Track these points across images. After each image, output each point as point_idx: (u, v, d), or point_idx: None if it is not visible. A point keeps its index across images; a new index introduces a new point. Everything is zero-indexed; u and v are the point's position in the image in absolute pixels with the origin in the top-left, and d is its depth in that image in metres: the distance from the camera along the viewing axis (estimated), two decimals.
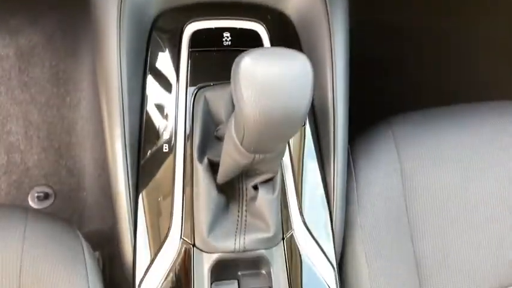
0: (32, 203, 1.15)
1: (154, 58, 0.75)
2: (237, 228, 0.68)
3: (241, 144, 0.58)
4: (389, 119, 0.88)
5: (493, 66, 1.38)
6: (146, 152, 0.72)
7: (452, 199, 0.80)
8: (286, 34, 0.78)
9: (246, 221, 0.68)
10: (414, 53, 1.42)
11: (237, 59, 0.53)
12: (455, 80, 1.40)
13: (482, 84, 1.36)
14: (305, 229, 0.72)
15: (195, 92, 0.73)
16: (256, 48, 0.53)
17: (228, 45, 0.75)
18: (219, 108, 0.71)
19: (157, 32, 0.75)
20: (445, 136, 0.84)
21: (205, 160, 0.69)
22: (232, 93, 0.54)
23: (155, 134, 0.73)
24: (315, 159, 0.76)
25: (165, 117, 0.73)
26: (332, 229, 0.74)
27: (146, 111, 0.73)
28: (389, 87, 1.37)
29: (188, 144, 0.72)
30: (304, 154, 0.76)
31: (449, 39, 1.39)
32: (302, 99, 0.52)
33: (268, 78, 0.51)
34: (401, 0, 1.34)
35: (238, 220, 0.68)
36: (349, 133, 0.77)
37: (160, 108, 0.74)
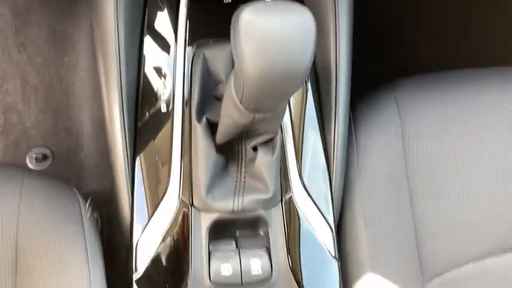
0: (30, 164, 1.14)
1: (152, 16, 0.73)
2: (235, 189, 0.67)
3: (240, 102, 0.56)
4: (391, 83, 0.87)
5: (496, 28, 1.36)
6: (144, 113, 0.71)
7: (453, 164, 0.80)
8: None
9: (244, 182, 0.68)
10: (416, 15, 1.40)
11: (236, 12, 0.51)
12: (456, 43, 1.38)
13: (485, 48, 1.34)
14: (304, 191, 0.72)
15: (194, 49, 0.71)
16: (256, 1, 0.51)
17: (228, 2, 0.73)
18: (219, 66, 0.70)
19: None
20: (447, 101, 0.83)
21: (204, 120, 0.68)
22: (232, 48, 0.52)
23: (153, 94, 0.72)
24: (316, 122, 0.75)
25: (163, 77, 0.72)
26: (331, 192, 0.74)
27: (144, 72, 0.72)
28: (392, 48, 1.35)
29: (187, 104, 0.70)
30: (306, 117, 0.75)
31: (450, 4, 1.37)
32: (304, 55, 0.51)
33: (269, 32, 0.49)
34: None
35: (237, 181, 0.68)
36: (351, 96, 0.76)
37: (158, 68, 0.72)
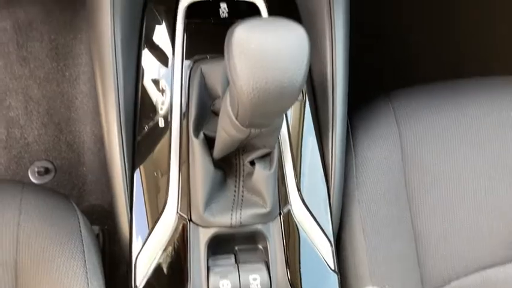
0: (32, 178, 1.15)
1: (150, 31, 0.74)
2: (233, 204, 0.67)
3: (236, 118, 0.56)
4: (389, 92, 0.87)
5: (495, 38, 1.35)
6: (142, 127, 0.72)
7: (452, 174, 0.80)
8: (285, 5, 0.77)
9: (242, 196, 0.68)
10: (414, 21, 1.40)
11: (230, 29, 0.51)
12: (456, 50, 1.38)
13: (483, 55, 1.34)
14: (302, 204, 0.72)
15: (191, 65, 0.72)
16: (250, 19, 0.51)
17: (225, 17, 0.74)
18: (216, 81, 0.70)
19: (152, 4, 0.74)
20: (446, 111, 0.83)
21: (201, 135, 0.68)
22: (226, 65, 0.53)
23: (151, 108, 0.72)
24: (314, 135, 0.75)
25: (161, 91, 0.72)
26: (330, 204, 0.73)
27: (142, 86, 0.73)
28: (389, 55, 1.35)
29: (184, 118, 0.71)
30: (304, 129, 0.75)
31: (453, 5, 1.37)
32: (297, 73, 0.51)
33: (263, 50, 0.49)
34: None
35: (234, 195, 0.68)
36: (348, 107, 0.76)
37: (156, 82, 0.73)
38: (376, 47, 1.32)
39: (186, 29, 0.74)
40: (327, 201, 0.73)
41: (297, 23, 0.51)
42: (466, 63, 1.33)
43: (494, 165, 0.80)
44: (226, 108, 0.57)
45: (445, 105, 0.84)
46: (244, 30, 0.49)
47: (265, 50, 0.49)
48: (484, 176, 0.80)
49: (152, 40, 0.74)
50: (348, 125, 0.79)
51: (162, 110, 0.72)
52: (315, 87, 0.76)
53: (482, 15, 1.37)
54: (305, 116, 0.75)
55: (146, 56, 0.73)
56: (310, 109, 0.75)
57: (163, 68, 0.73)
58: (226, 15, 0.73)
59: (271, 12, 0.75)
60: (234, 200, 0.68)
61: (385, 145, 0.80)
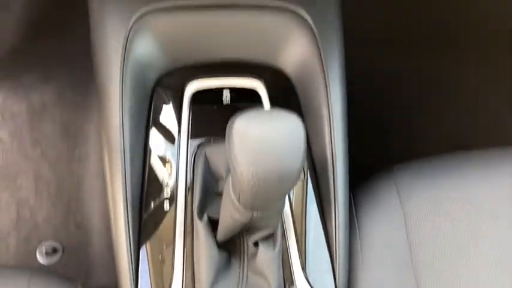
0: (40, 258, 1.15)
1: (157, 114, 0.77)
2: (238, 285, 0.68)
3: (238, 201, 0.58)
4: (391, 168, 0.88)
5: (494, 109, 1.38)
6: (148, 206, 0.73)
7: (461, 253, 0.78)
8: (285, 90, 0.80)
9: (247, 277, 0.68)
10: (414, 97, 1.43)
11: (230, 122, 0.54)
12: (455, 124, 1.40)
13: (484, 127, 1.36)
14: (307, 284, 0.72)
15: (196, 149, 0.75)
16: (249, 111, 0.54)
17: (227, 103, 0.77)
18: (219, 164, 0.72)
19: (160, 89, 0.78)
20: (451, 186, 0.82)
21: (205, 217, 0.69)
22: (227, 153, 0.55)
23: (157, 189, 0.74)
24: (317, 214, 0.75)
25: (167, 172, 0.74)
26: (335, 284, 0.73)
27: (148, 167, 0.75)
28: (391, 130, 1.37)
29: (189, 199, 0.72)
30: (307, 209, 0.76)
31: (449, 84, 1.41)
32: (295, 160, 0.53)
33: (261, 140, 0.52)
34: (397, 46, 1.37)
35: (239, 277, 0.68)
36: (351, 182, 0.77)
37: (161, 163, 0.75)
38: (377, 123, 1.35)
39: (192, 113, 0.77)
40: (332, 280, 0.73)
41: (292, 113, 0.54)
42: (467, 135, 1.35)
43: (504, 243, 0.79)
44: (229, 192, 0.59)
45: (450, 180, 0.83)
46: (243, 122, 0.53)
47: (263, 141, 0.52)
48: (493, 254, 0.78)
49: (159, 123, 0.77)
50: (351, 201, 0.80)
51: (167, 191, 0.73)
52: (316, 167, 0.78)
53: (480, 86, 1.41)
54: (307, 195, 0.76)
55: (153, 139, 0.76)
56: (313, 188, 0.77)
57: (169, 150, 0.75)
58: (229, 102, 0.77)
59: (272, 98, 0.78)
60: (238, 282, 0.68)
61: (389, 224, 0.80)
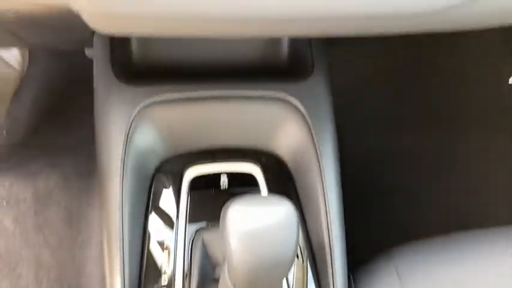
0: None
1: (156, 199, 0.79)
2: None
3: (234, 287, 0.59)
4: (391, 251, 0.87)
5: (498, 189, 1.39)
6: None
7: None
8: (280, 174, 0.82)
9: None
10: (416, 178, 1.45)
11: (224, 209, 0.56)
12: (456, 203, 1.40)
13: (486, 205, 1.36)
14: None
15: (194, 234, 0.76)
16: (242, 198, 0.56)
17: (225, 188, 0.79)
18: (217, 250, 0.73)
19: (160, 175, 0.80)
20: (452, 268, 0.82)
21: None
22: (222, 240, 0.56)
23: (155, 276, 0.74)
24: None
25: (165, 258, 0.75)
26: None
27: (147, 253, 0.75)
28: (391, 212, 1.38)
29: (187, 285, 0.72)
30: None
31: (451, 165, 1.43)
32: (288, 246, 0.54)
33: (254, 227, 0.53)
34: (402, 127, 1.41)
35: None
36: (351, 263, 0.77)
37: (160, 249, 0.76)
38: (377, 204, 1.35)
39: (190, 198, 0.79)
40: None
41: (284, 199, 0.56)
42: (467, 215, 1.35)
43: None
44: (225, 278, 0.60)
45: (451, 261, 0.82)
46: (236, 209, 0.54)
47: (256, 228, 0.53)
48: None
49: (159, 206, 0.78)
50: (351, 284, 0.80)
51: (165, 276, 0.73)
52: (314, 251, 0.78)
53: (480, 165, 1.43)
54: (307, 279, 0.76)
55: (152, 224, 0.77)
56: (311, 271, 0.76)
57: (168, 234, 0.76)
58: (226, 186, 0.79)
59: (268, 181, 0.80)
60: None
61: None
